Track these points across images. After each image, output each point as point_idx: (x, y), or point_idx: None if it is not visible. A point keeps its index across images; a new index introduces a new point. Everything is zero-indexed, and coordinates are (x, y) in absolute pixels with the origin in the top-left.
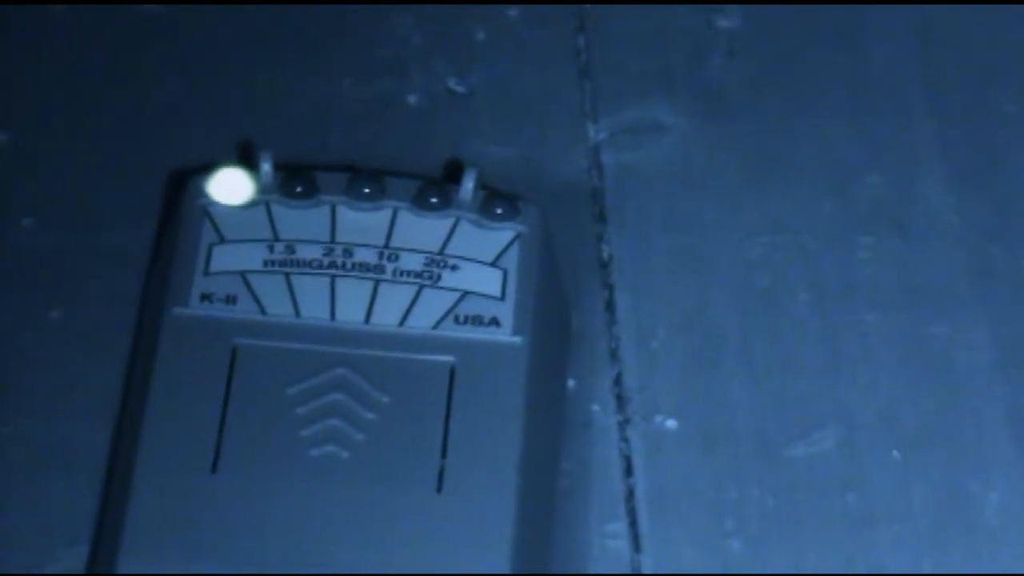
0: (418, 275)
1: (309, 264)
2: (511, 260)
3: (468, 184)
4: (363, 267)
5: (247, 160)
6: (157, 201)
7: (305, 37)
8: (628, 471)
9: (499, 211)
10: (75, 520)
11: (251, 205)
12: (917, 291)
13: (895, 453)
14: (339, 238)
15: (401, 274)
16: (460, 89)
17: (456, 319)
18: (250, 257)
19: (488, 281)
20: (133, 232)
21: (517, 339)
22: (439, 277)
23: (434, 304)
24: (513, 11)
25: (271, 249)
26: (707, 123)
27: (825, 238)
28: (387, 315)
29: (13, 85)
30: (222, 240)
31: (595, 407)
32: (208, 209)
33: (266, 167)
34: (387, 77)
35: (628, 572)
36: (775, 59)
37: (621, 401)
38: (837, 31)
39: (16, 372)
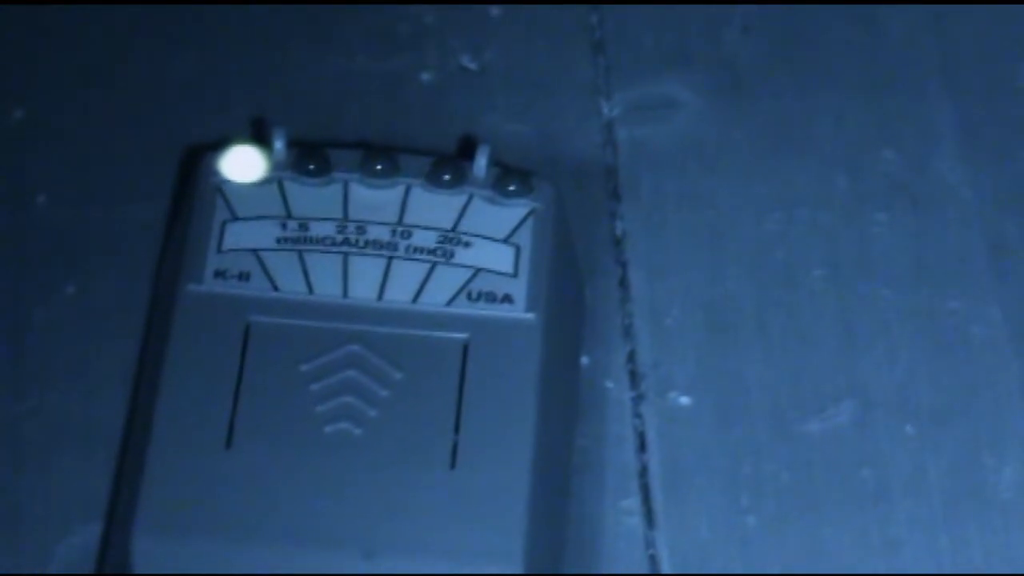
0: (431, 252)
1: (322, 241)
2: (524, 237)
3: (481, 161)
4: (376, 244)
5: (260, 137)
6: (172, 177)
7: (319, 14)
8: (642, 447)
9: (512, 187)
10: (91, 496)
11: (264, 182)
12: (932, 266)
13: (908, 428)
14: (352, 215)
15: (414, 251)
16: (473, 66)
17: (469, 296)
18: (263, 234)
19: (501, 258)
20: (148, 207)
21: (530, 316)
22: (452, 254)
23: (447, 281)
24: None
25: (284, 226)
26: (721, 99)
27: (840, 213)
28: (400, 292)
29: (27, 61)
30: (235, 217)
31: (609, 384)
32: (221, 187)
33: (279, 144)
34: (401, 54)
35: (643, 547)
36: (789, 34)
37: (635, 377)
38: (851, 6)
39: (31, 348)
